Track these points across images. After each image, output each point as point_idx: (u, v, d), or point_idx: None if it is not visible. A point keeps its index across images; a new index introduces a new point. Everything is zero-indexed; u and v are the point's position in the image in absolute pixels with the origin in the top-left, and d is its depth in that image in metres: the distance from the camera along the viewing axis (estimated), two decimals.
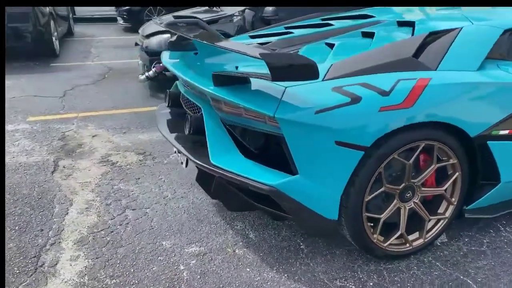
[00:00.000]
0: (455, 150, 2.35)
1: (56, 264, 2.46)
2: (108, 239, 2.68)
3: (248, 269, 2.42)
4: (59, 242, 2.64)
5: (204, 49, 2.78)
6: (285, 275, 2.37)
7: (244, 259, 2.51)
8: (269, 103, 2.06)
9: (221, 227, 2.80)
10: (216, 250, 2.58)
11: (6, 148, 4.00)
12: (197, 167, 2.67)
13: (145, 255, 2.53)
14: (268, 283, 2.31)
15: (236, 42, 2.69)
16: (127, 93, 5.94)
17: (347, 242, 2.58)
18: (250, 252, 2.56)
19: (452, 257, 2.52)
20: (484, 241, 2.67)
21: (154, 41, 5.59)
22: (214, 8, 6.06)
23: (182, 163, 2.79)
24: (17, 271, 2.39)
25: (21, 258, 2.50)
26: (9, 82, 6.29)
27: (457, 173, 2.42)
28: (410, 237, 2.47)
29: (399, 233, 2.41)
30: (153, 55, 5.62)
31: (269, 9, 5.19)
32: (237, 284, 2.31)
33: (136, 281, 2.33)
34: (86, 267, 2.43)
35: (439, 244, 2.62)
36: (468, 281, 2.33)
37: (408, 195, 2.38)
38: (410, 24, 2.77)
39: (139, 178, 3.47)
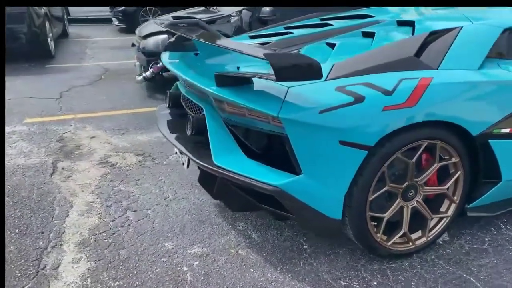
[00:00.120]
0: (457, 149, 2.36)
1: (58, 266, 2.44)
2: (110, 241, 2.67)
3: (252, 270, 2.42)
4: (60, 245, 2.63)
5: (205, 50, 2.78)
6: (289, 275, 2.37)
7: (248, 259, 2.50)
8: (272, 103, 2.06)
9: (223, 227, 2.80)
10: (219, 251, 2.57)
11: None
12: (199, 168, 2.66)
13: (148, 257, 2.52)
14: (273, 284, 2.31)
15: (239, 42, 2.69)
16: (124, 94, 5.92)
17: (350, 241, 2.58)
18: (253, 253, 2.56)
19: (455, 255, 2.53)
20: (486, 239, 2.68)
21: (151, 41, 5.57)
22: (211, 9, 6.05)
23: (183, 164, 2.78)
24: (19, 274, 2.37)
25: (22, 261, 2.48)
26: None
27: (459, 172, 2.43)
28: (413, 236, 2.48)
29: (402, 232, 2.42)
30: (150, 56, 5.61)
31: (267, 9, 5.19)
32: (241, 285, 2.30)
33: (140, 283, 2.32)
34: (88, 269, 2.42)
35: (441, 242, 2.63)
36: (472, 279, 2.34)
37: (411, 194, 2.39)
38: (410, 24, 2.78)
39: (139, 179, 3.46)
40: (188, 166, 2.73)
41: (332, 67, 2.24)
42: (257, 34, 3.35)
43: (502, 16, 2.75)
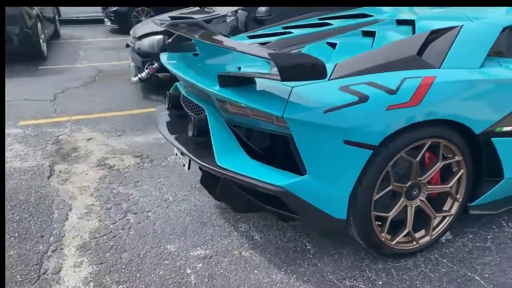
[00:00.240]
0: (460, 147, 2.37)
1: (60, 271, 2.41)
2: (111, 244, 2.64)
3: (256, 271, 2.40)
4: (61, 249, 2.60)
5: (206, 50, 2.76)
6: (294, 276, 2.36)
7: (251, 261, 2.49)
8: (276, 104, 2.05)
9: (225, 229, 2.78)
10: (222, 253, 2.55)
11: None
12: (200, 169, 2.64)
13: (151, 260, 2.50)
14: (278, 285, 2.30)
15: (241, 42, 2.68)
16: (119, 95, 5.88)
17: (353, 241, 2.57)
18: (257, 254, 2.54)
19: (458, 253, 2.53)
20: (488, 237, 2.69)
21: (146, 42, 5.53)
22: (206, 9, 6.02)
23: (184, 165, 2.75)
24: (20, 279, 2.34)
25: (23, 265, 2.44)
26: None
27: (462, 170, 2.43)
28: (417, 235, 2.48)
29: (406, 231, 2.42)
30: (146, 57, 5.58)
31: (262, 9, 5.18)
32: (246, 287, 2.29)
33: (143, 286, 2.29)
34: (90, 273, 2.39)
35: (444, 241, 2.63)
36: (476, 277, 2.34)
37: (415, 193, 2.39)
38: (410, 23, 2.78)
39: (138, 181, 3.43)
40: (189, 168, 2.71)
41: (335, 67, 2.23)
42: (255, 34, 3.34)
43: (498, 15, 2.76)
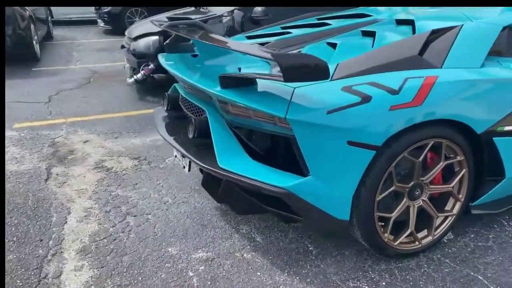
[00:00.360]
0: (462, 147, 2.37)
1: (60, 275, 2.38)
2: (111, 247, 2.61)
3: (259, 273, 2.38)
4: (61, 252, 2.57)
5: (206, 51, 2.73)
6: (297, 277, 2.35)
7: (254, 263, 2.47)
8: (279, 105, 2.04)
9: (226, 231, 2.76)
10: (224, 255, 2.53)
11: None
12: (201, 171, 2.63)
13: (152, 263, 2.47)
14: (281, 287, 2.28)
15: (242, 43, 2.66)
16: (115, 96, 5.84)
17: (355, 242, 2.57)
18: (259, 256, 2.53)
19: (460, 253, 2.53)
20: (490, 236, 2.69)
21: (142, 43, 5.49)
22: (201, 9, 6.00)
23: (184, 167, 2.73)
24: (20, 284, 2.31)
25: (23, 270, 2.41)
26: None
27: (464, 170, 2.43)
28: (419, 235, 2.47)
29: (409, 231, 2.41)
30: (141, 58, 5.54)
31: (259, 9, 5.16)
32: None
33: None
34: (91, 277, 2.36)
35: (446, 241, 2.63)
36: (479, 277, 2.34)
37: (417, 193, 2.39)
38: (409, 23, 2.78)
39: (136, 184, 3.40)
40: (189, 170, 2.69)
41: (336, 67, 2.22)
42: (254, 34, 3.32)
43: (495, 14, 2.76)
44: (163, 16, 5.63)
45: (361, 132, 2.07)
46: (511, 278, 2.33)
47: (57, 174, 3.55)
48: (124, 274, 2.38)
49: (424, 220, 2.48)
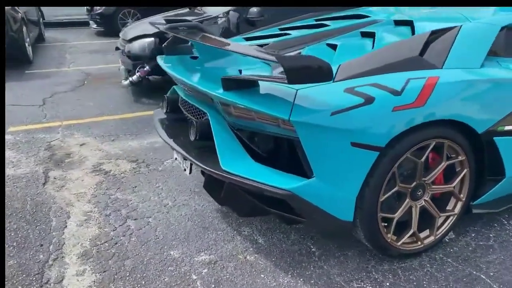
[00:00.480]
0: (463, 147, 2.38)
1: (62, 280, 2.36)
2: (113, 251, 2.60)
3: (263, 275, 2.38)
4: (62, 257, 2.54)
5: (206, 53, 2.72)
6: (301, 279, 2.35)
7: (257, 265, 2.47)
8: (282, 106, 2.03)
9: (228, 233, 2.75)
10: (227, 257, 2.53)
11: None
12: (202, 173, 2.62)
13: (155, 266, 2.46)
14: None
15: (243, 45, 2.66)
16: (110, 99, 5.80)
17: (357, 242, 2.57)
18: (262, 258, 2.52)
19: (462, 252, 2.55)
20: (490, 235, 2.71)
21: (137, 45, 5.46)
22: (196, 10, 5.98)
23: (185, 169, 2.72)
24: None
25: (24, 275, 2.39)
26: None
27: (465, 170, 2.45)
28: (421, 235, 2.48)
29: (411, 231, 2.42)
30: (136, 60, 5.50)
31: (254, 10, 5.16)
32: None
33: None
34: (94, 281, 2.35)
35: (447, 240, 2.65)
36: (482, 276, 2.36)
37: (419, 193, 2.40)
38: (408, 23, 2.79)
39: (135, 187, 3.38)
40: (190, 172, 2.68)
41: (338, 68, 2.22)
42: (252, 36, 3.32)
43: (492, 14, 2.78)
44: (159, 18, 5.60)
45: (365, 133, 2.08)
46: None
47: (55, 178, 3.52)
48: (127, 278, 2.37)
49: (426, 220, 2.49)
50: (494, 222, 2.84)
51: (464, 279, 2.33)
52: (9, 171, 3.64)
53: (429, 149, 2.28)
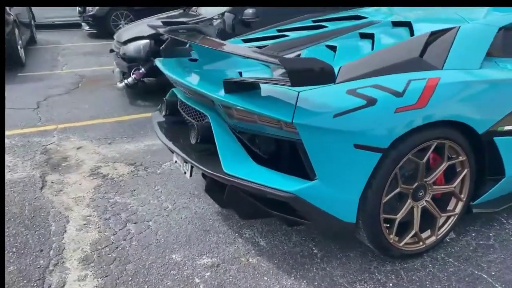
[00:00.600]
0: (464, 147, 2.39)
1: (64, 285, 2.34)
2: (114, 255, 2.58)
3: (266, 278, 2.38)
4: (63, 262, 2.52)
5: (205, 55, 2.72)
6: (304, 281, 2.34)
7: (259, 267, 2.46)
8: (285, 109, 2.03)
9: (230, 236, 2.75)
10: (229, 260, 2.52)
11: None
12: (203, 176, 2.61)
13: (157, 270, 2.45)
14: None
15: (244, 47, 2.65)
16: (105, 101, 5.77)
17: (359, 244, 2.58)
18: (264, 260, 2.52)
19: (463, 252, 2.56)
20: (490, 234, 2.73)
21: (132, 47, 5.43)
22: (191, 12, 5.97)
23: (185, 172, 2.71)
24: None
25: (25, 281, 2.36)
26: None
27: (466, 170, 2.46)
28: (423, 235, 2.49)
29: (413, 232, 2.43)
30: (131, 62, 5.47)
31: (249, 11, 5.16)
32: None
33: None
34: (96, 286, 2.33)
35: (448, 240, 2.66)
36: (483, 275, 2.37)
37: (421, 194, 2.40)
38: (406, 24, 2.80)
39: (134, 190, 3.36)
40: (191, 175, 2.67)
41: (339, 70, 2.22)
42: (250, 37, 3.31)
43: (488, 14, 2.79)
44: (153, 19, 5.58)
45: (367, 135, 2.08)
46: None
47: (52, 182, 3.49)
48: (130, 282, 2.35)
49: (427, 221, 2.50)
50: (493, 221, 2.86)
51: (467, 279, 2.34)
52: (5, 175, 3.61)
53: (431, 150, 2.29)
